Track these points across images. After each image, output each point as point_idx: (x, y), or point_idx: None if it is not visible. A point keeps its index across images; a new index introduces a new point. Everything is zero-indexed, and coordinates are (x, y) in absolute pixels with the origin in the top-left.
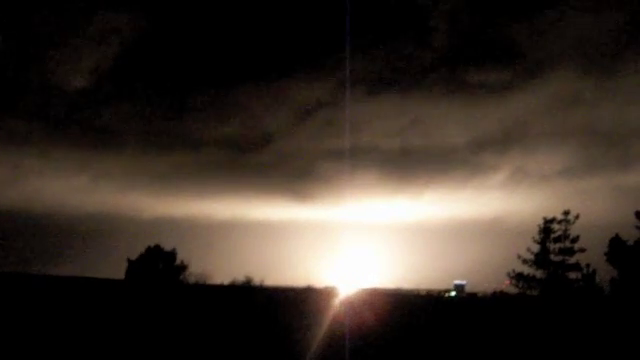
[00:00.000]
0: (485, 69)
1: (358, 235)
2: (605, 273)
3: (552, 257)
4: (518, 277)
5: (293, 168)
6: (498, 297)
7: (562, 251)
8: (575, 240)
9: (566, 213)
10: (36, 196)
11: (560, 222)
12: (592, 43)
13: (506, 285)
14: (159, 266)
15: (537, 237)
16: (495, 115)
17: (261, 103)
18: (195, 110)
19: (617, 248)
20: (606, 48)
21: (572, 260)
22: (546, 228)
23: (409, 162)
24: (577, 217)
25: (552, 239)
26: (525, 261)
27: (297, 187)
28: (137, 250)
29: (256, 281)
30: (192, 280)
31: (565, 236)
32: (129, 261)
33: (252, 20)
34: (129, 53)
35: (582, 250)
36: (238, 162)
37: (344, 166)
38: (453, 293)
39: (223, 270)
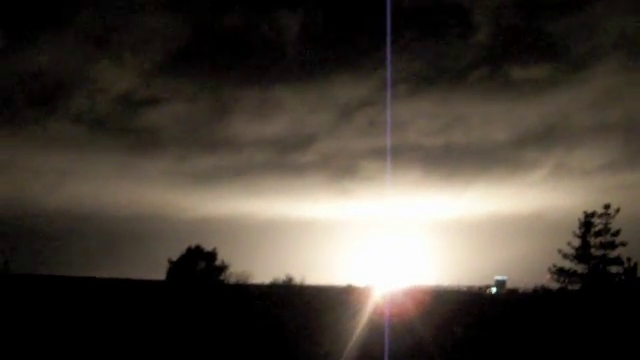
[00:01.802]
0: (528, 65)
1: (400, 233)
2: None
3: (593, 251)
4: (559, 272)
5: (336, 167)
6: (539, 292)
7: (603, 245)
8: (616, 234)
9: (607, 207)
10: (79, 199)
11: (601, 216)
12: (635, 37)
13: (547, 280)
14: (200, 266)
15: (578, 231)
16: (538, 111)
17: (304, 103)
18: (238, 111)
19: None
20: None
21: (613, 254)
22: (587, 222)
23: (452, 159)
24: (617, 211)
25: (593, 233)
26: (566, 256)
27: (339, 186)
28: (178, 251)
29: (297, 280)
30: (233, 280)
31: (606, 230)
32: (170, 262)
33: (294, 20)
34: (173, 55)
35: (623, 244)
36: (281, 162)
37: (387, 164)
38: (494, 289)
39: (264, 269)
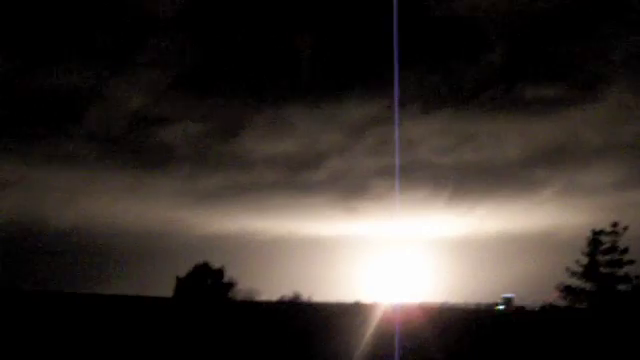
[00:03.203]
0: (540, 85)
1: (408, 250)
2: None
3: (601, 269)
4: (567, 290)
5: (346, 185)
6: (546, 310)
7: (611, 263)
8: (624, 252)
9: (614, 225)
10: (89, 216)
11: (609, 234)
12: None
13: (555, 298)
14: (207, 283)
15: (586, 249)
16: (549, 130)
17: (315, 122)
18: (250, 130)
19: None
20: None
21: (621, 272)
22: (595, 240)
23: (462, 178)
24: (625, 229)
25: (601, 251)
26: (574, 274)
27: (349, 204)
28: (186, 268)
29: (304, 297)
30: (240, 297)
31: (614, 248)
32: (178, 279)
33: (307, 40)
34: (185, 74)
35: (631, 262)
36: (291, 181)
37: (396, 183)
38: (502, 307)
39: (272, 287)
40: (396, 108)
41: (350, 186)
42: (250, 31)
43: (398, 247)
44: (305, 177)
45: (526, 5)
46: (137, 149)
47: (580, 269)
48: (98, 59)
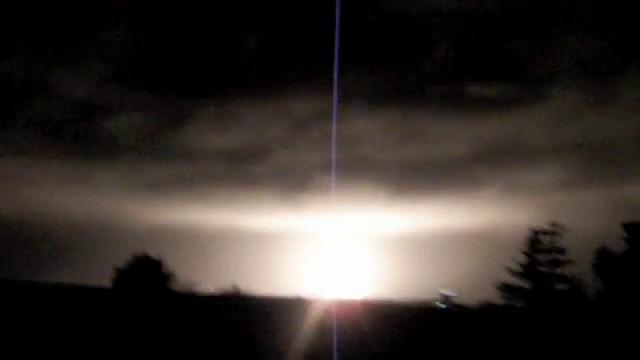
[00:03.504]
0: (487, 83)
1: (350, 246)
2: (592, 285)
3: (539, 268)
4: (505, 288)
5: (289, 179)
6: (485, 308)
7: (549, 262)
8: (562, 252)
9: (554, 225)
10: (30, 205)
11: (547, 233)
12: (593, 60)
13: (493, 296)
14: (146, 274)
15: (525, 248)
16: (494, 128)
17: (260, 114)
18: (194, 122)
19: (604, 259)
20: (606, 65)
21: (559, 272)
22: (534, 239)
23: (405, 175)
24: (563, 228)
25: (540, 250)
26: (513, 272)
27: (292, 198)
28: (127, 258)
29: (243, 290)
30: (179, 288)
31: (553, 248)
32: (116, 269)
33: (249, 31)
34: (130, 64)
35: (569, 262)
36: (234, 173)
37: (339, 178)
38: (442, 304)
39: (211, 279)
40: (335, 103)
41: (294, 180)
42: (195, 23)
43: (340, 243)
44: (248, 170)
45: (473, 3)
46: (81, 138)
47: (519, 268)
48: (43, 46)
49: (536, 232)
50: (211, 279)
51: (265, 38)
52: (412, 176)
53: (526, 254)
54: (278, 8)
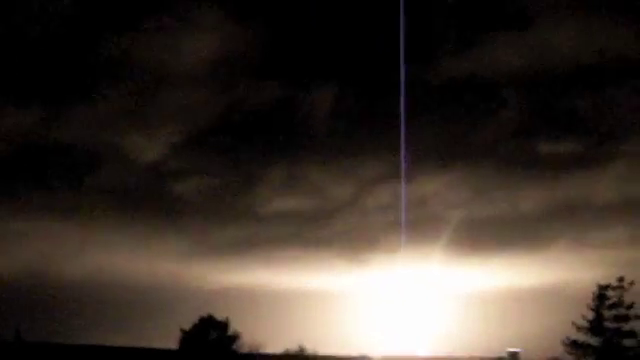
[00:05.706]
0: (555, 140)
1: (417, 305)
2: None
3: (607, 324)
4: (573, 344)
5: (356, 240)
6: None
7: (617, 318)
8: (630, 307)
9: (621, 279)
10: (98, 268)
11: (615, 289)
12: None
13: (561, 353)
14: (212, 336)
15: (592, 304)
16: (561, 186)
17: (328, 176)
18: (263, 184)
19: None
20: None
21: (627, 327)
22: (601, 295)
23: (473, 232)
24: (632, 284)
25: (607, 306)
26: (580, 328)
27: (357, 259)
28: (193, 320)
29: (309, 350)
30: (244, 350)
31: (620, 303)
32: (182, 331)
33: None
34: (202, 127)
35: (638, 317)
36: (301, 234)
37: (407, 237)
38: None
39: (277, 340)
40: (403, 163)
41: (361, 240)
42: (268, 88)
43: (407, 302)
44: (314, 231)
45: (540, 63)
46: (151, 202)
47: (586, 324)
48: (117, 113)
49: (603, 288)
50: (277, 339)
51: (333, 101)
52: (480, 234)
53: (593, 310)
54: (345, 71)
